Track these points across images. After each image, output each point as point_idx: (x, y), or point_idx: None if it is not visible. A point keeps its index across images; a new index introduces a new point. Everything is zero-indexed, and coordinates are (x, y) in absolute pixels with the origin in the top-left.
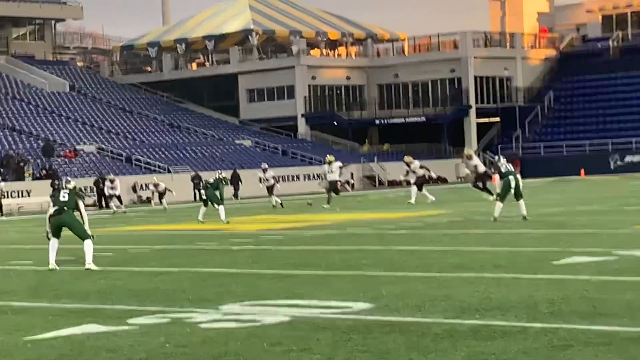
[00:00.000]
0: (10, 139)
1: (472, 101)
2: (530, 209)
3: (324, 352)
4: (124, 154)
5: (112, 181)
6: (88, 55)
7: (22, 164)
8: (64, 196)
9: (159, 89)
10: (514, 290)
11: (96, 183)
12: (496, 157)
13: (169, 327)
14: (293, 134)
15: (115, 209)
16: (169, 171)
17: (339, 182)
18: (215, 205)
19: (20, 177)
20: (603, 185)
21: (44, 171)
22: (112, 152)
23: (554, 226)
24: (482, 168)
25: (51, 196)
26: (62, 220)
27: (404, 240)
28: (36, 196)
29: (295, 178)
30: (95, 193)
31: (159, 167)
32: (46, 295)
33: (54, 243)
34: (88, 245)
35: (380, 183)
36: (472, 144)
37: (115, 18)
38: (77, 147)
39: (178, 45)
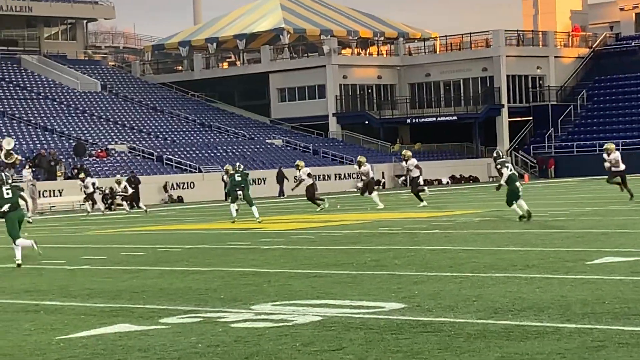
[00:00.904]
0: (42, 138)
1: (504, 100)
2: (562, 208)
3: (356, 352)
4: (155, 153)
5: (82, 180)
6: (119, 55)
7: (54, 164)
8: (8, 193)
9: (190, 88)
10: (546, 290)
11: (128, 182)
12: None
13: (200, 326)
14: (324, 133)
15: (89, 209)
16: (200, 170)
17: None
18: (249, 205)
19: (52, 177)
20: (636, 185)
21: (76, 171)
22: (143, 151)
23: (587, 226)
24: (416, 172)
25: None
26: (18, 215)
27: (436, 239)
28: (68, 195)
29: (326, 177)
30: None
31: (190, 166)
32: (78, 295)
33: (21, 241)
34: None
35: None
36: (504, 143)
37: (146, 17)
38: (109, 146)
39: (209, 44)
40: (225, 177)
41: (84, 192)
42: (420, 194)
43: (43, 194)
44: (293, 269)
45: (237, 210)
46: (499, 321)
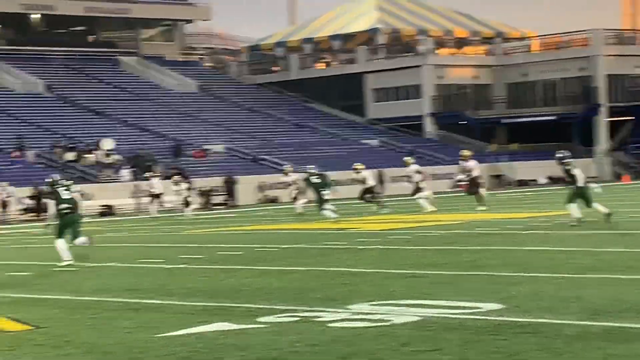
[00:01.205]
0: (140, 138)
1: (602, 99)
2: None
3: (454, 353)
4: (251, 153)
5: (149, 179)
6: (216, 56)
7: (150, 164)
8: (65, 194)
9: (286, 89)
10: None
11: (225, 182)
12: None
13: (298, 325)
14: (420, 133)
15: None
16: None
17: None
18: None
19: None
20: None
21: (174, 171)
22: (239, 151)
23: None
24: (476, 172)
25: (50, 193)
26: (74, 218)
27: (533, 240)
28: (166, 196)
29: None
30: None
31: (285, 167)
32: (177, 293)
33: (63, 243)
34: (82, 241)
35: (508, 183)
36: (602, 143)
37: (243, 19)
38: (206, 147)
39: (305, 45)
40: (286, 178)
41: (150, 192)
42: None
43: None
44: (389, 269)
45: (330, 209)
46: (599, 322)
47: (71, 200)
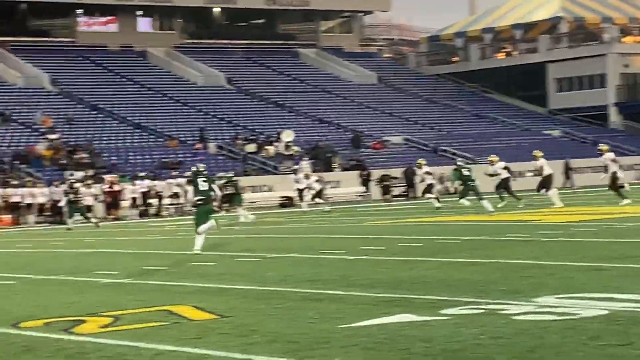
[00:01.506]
0: (319, 130)
1: None
2: None
3: None
4: (430, 144)
5: (295, 172)
6: (395, 47)
7: (330, 155)
8: (203, 185)
9: (466, 79)
10: None
11: (405, 173)
12: None
13: (482, 318)
14: (604, 123)
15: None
16: (475, 162)
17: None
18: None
19: (328, 168)
20: None
21: (353, 162)
22: (418, 143)
23: None
24: (613, 167)
25: (189, 181)
26: (209, 209)
27: None
28: (345, 187)
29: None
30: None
31: (465, 158)
32: (358, 284)
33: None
34: (204, 228)
35: None
36: None
37: (422, 9)
38: (385, 138)
39: (485, 34)
40: (418, 170)
41: (297, 187)
42: (620, 190)
43: None
44: (574, 262)
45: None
46: None
47: (207, 192)
